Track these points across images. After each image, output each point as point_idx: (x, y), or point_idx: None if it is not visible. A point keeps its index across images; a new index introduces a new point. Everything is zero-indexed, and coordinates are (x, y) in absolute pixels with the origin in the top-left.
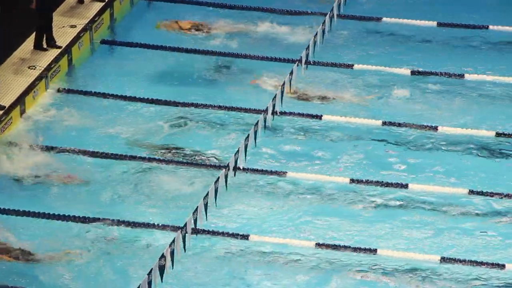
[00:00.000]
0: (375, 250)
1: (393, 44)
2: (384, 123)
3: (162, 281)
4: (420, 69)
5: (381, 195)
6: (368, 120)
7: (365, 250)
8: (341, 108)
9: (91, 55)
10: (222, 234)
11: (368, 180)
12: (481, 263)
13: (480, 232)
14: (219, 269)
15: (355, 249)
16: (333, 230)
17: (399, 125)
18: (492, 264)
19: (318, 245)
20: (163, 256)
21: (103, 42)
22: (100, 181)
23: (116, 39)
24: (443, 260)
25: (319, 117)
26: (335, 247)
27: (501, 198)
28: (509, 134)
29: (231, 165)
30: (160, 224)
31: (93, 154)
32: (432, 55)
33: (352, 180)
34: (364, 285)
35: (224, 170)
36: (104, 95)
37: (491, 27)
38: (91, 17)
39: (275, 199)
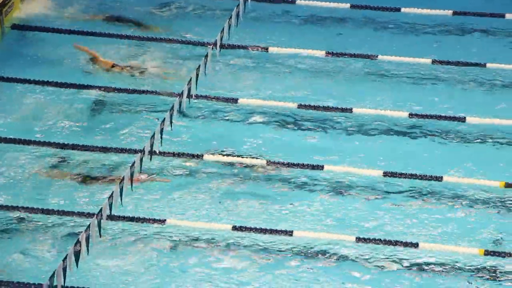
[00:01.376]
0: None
1: (309, 27)
2: (300, 106)
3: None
4: (335, 51)
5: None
6: (282, 103)
7: None
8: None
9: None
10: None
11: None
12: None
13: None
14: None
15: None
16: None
17: (315, 107)
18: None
19: (235, 228)
20: (78, 242)
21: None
22: None
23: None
24: (358, 239)
25: (234, 100)
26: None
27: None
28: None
29: (147, 149)
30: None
31: None
32: (349, 36)
33: (269, 162)
34: None
35: (139, 154)
36: None
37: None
38: None
39: (193, 183)
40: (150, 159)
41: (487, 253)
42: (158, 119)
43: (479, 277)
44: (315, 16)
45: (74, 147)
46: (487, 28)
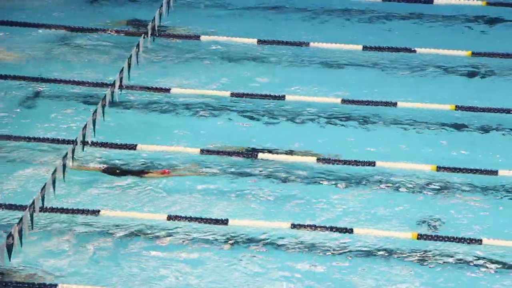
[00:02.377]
0: None
1: (240, 14)
2: (232, 94)
3: (10, 261)
4: (266, 39)
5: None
6: (217, 92)
7: None
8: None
9: None
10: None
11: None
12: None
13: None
14: None
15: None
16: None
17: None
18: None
19: (170, 217)
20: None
21: None
22: None
23: None
24: (294, 226)
25: (167, 90)
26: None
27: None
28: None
29: (79, 140)
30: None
31: None
32: (282, 25)
33: (203, 151)
34: None
35: (72, 145)
36: None
37: None
38: None
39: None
40: (83, 149)
41: (420, 237)
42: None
43: (411, 261)
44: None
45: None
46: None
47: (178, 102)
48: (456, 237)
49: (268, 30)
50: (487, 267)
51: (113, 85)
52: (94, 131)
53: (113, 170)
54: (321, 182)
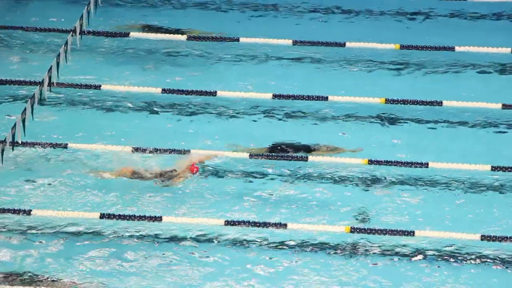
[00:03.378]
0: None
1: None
2: (163, 91)
3: None
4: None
5: None
6: (152, 89)
7: None
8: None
9: None
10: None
11: (155, 149)
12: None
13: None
14: None
15: None
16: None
17: (176, 91)
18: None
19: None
20: None
21: None
22: None
23: None
24: (227, 223)
25: (98, 87)
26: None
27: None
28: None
29: (8, 140)
30: None
31: None
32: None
33: (135, 149)
34: None
35: (0, 144)
36: None
37: None
38: None
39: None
40: (12, 149)
41: (353, 230)
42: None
43: (342, 254)
44: None
45: None
46: None
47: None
48: (389, 229)
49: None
50: (421, 258)
51: (41, 83)
52: (23, 130)
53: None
54: None
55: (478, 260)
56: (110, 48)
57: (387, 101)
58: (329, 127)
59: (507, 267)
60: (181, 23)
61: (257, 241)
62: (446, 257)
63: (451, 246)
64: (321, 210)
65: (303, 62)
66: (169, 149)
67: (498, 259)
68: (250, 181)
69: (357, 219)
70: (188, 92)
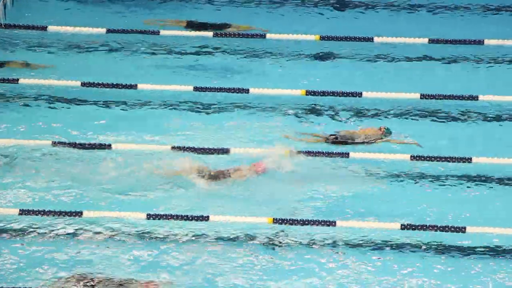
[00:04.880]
0: None
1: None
2: (81, 84)
3: None
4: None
5: None
6: (66, 81)
7: None
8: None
9: None
10: None
11: (71, 143)
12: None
13: None
14: None
15: None
16: None
17: (99, 85)
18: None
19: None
20: None
21: None
22: None
23: None
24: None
25: (15, 80)
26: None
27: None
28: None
29: None
30: None
31: None
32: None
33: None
34: None
35: None
36: None
37: None
38: None
39: None
40: None
41: (276, 221)
42: None
43: (264, 245)
44: None
45: None
46: None
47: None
48: (313, 220)
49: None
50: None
51: None
52: None
53: None
54: None
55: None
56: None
57: (307, 92)
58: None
59: None
60: None
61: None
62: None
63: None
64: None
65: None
66: None
67: None
68: None
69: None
70: None
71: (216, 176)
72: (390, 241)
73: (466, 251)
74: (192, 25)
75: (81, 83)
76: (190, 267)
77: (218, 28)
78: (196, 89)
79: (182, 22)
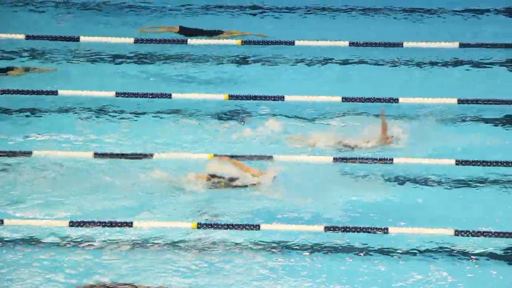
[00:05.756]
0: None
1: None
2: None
3: None
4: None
5: None
6: None
7: None
8: None
9: None
10: None
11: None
12: None
13: None
14: None
15: None
16: None
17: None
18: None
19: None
20: None
21: None
22: None
23: None
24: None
25: None
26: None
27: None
28: None
29: None
30: None
31: None
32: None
33: None
34: None
35: None
36: None
37: None
38: None
39: None
40: None
41: (200, 226)
42: None
43: (189, 249)
44: None
45: None
46: None
47: None
48: (235, 224)
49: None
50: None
51: None
52: None
53: None
54: None
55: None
56: None
57: (230, 97)
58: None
59: None
60: None
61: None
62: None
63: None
64: None
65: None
66: None
67: None
68: None
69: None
70: None
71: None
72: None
73: None
74: (184, 31)
75: None
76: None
77: (211, 34)
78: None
79: (174, 28)
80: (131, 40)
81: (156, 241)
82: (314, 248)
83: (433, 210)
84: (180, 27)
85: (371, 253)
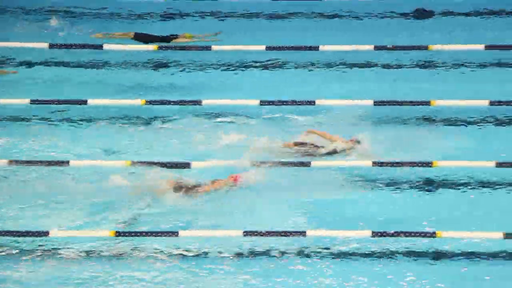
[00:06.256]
0: None
1: None
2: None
3: None
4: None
5: None
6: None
7: None
8: None
9: None
10: None
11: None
12: None
13: None
14: None
15: None
16: None
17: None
18: None
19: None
20: None
21: None
22: None
23: None
24: None
25: None
26: None
27: None
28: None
29: None
30: None
31: None
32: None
33: None
34: None
35: None
36: None
37: None
38: None
39: None
40: None
41: (119, 234)
42: None
43: (111, 258)
44: None
45: None
46: None
47: None
48: (153, 232)
49: None
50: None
51: None
52: None
53: None
54: None
55: None
56: None
57: (147, 102)
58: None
59: None
60: None
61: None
62: None
63: None
64: None
65: None
66: None
67: None
68: None
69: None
70: None
71: (191, 189)
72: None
73: None
74: (138, 38)
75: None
76: None
77: (164, 40)
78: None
79: (129, 34)
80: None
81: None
82: None
83: None
84: (135, 33)
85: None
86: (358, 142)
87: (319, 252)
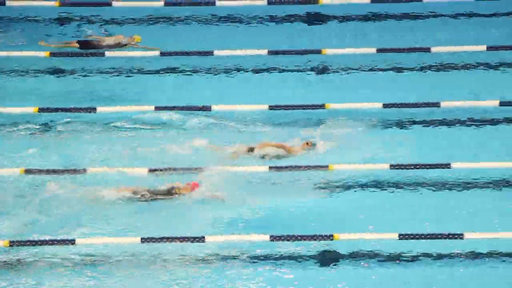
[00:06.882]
0: None
1: None
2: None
3: None
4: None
5: None
6: None
7: None
8: None
9: None
10: None
11: None
12: None
13: None
14: None
15: None
16: None
17: None
18: None
19: None
20: None
21: None
22: None
23: None
24: None
25: None
26: None
27: None
28: None
29: None
30: None
31: None
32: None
33: None
34: None
35: None
36: None
37: None
38: None
39: None
40: None
41: (12, 243)
42: None
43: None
44: None
45: None
46: None
47: None
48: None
49: None
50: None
51: None
52: None
53: None
54: None
55: None
56: None
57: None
58: None
59: None
60: None
61: None
62: None
63: None
64: None
65: None
66: None
67: None
68: None
69: None
70: None
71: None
72: None
73: None
74: (83, 45)
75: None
76: None
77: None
78: None
79: (72, 42)
80: None
81: None
82: None
83: None
84: (78, 41)
85: None
86: (314, 145)
87: None
